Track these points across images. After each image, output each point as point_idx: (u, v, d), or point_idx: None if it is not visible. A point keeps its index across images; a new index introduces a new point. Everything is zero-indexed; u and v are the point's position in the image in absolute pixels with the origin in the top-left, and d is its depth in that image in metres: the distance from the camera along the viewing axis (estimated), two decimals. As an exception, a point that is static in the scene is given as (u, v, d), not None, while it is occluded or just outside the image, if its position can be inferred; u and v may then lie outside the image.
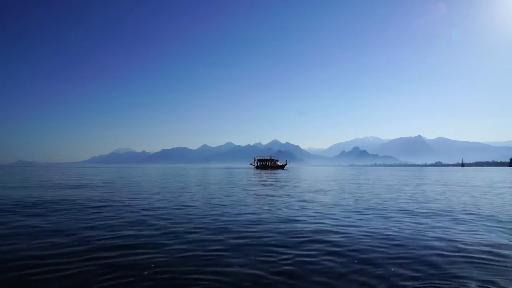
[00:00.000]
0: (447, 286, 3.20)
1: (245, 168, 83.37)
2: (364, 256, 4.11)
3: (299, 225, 6.07)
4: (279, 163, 73.14)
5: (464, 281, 3.31)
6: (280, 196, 11.52)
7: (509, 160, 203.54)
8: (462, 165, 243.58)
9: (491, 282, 3.29)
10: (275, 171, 50.59)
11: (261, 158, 74.84)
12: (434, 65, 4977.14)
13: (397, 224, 6.20)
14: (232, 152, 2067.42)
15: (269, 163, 72.48)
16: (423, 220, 6.68)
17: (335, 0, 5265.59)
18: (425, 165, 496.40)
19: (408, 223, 6.32)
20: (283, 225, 6.06)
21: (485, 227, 6.01)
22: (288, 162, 77.90)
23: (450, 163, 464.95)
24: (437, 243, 4.78)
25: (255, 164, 74.30)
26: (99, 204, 9.14)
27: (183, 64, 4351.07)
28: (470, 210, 8.17)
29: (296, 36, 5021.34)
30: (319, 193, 12.90)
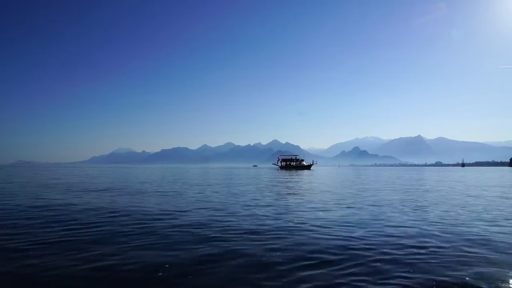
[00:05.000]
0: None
1: (249, 168, 79.95)
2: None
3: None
4: (304, 163, 70.86)
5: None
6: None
7: (509, 160, 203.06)
8: (463, 165, 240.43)
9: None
10: (302, 172, 48.59)
11: (285, 157, 73.33)
12: (434, 65, 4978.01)
13: None
14: (232, 152, 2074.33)
15: (294, 163, 70.91)
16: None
17: (335, 0, 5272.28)
18: (425, 165, 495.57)
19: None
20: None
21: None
22: (314, 162, 73.83)
23: (450, 163, 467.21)
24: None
25: (279, 164, 73.25)
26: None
27: (183, 64, 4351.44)
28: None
29: (296, 36, 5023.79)
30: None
